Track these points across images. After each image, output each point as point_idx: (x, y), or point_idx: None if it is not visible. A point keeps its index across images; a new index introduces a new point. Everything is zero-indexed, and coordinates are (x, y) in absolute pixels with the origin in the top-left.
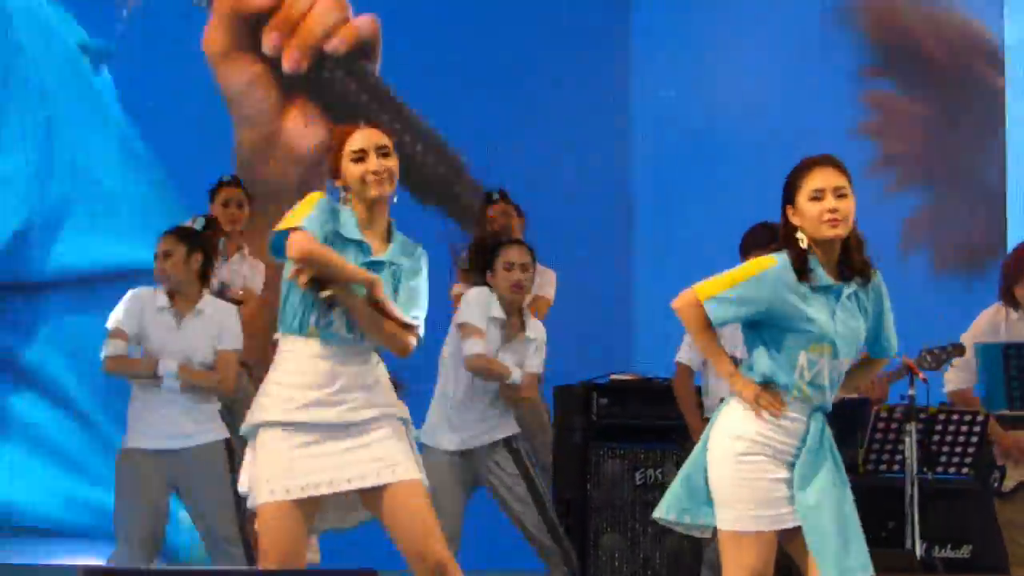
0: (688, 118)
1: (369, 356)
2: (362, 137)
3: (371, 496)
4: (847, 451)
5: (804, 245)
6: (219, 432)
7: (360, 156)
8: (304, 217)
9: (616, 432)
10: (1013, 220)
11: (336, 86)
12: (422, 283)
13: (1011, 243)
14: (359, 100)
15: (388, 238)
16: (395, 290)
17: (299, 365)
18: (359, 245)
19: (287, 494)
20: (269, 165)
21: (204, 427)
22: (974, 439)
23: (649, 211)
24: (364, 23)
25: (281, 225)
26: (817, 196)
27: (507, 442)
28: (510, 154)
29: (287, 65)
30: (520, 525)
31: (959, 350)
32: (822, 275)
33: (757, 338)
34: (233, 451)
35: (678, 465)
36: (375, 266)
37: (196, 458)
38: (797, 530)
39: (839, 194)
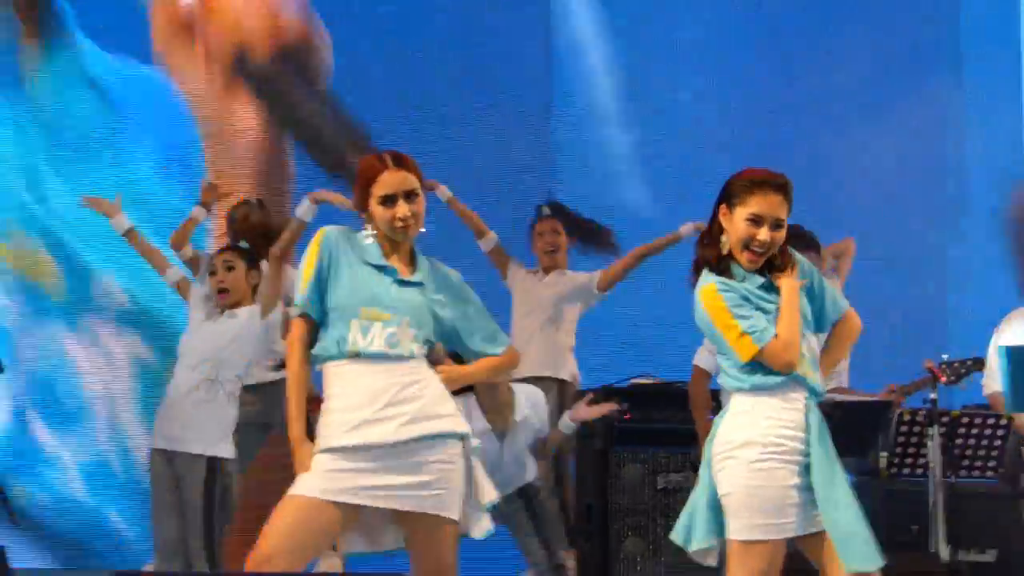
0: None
1: (415, 369)
2: (391, 182)
3: (404, 517)
4: (869, 455)
5: (724, 251)
6: (207, 448)
7: (388, 200)
8: (300, 293)
9: (637, 436)
10: None
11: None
12: (477, 303)
13: None
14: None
15: (412, 260)
16: (433, 314)
17: (344, 388)
18: (384, 269)
19: (321, 493)
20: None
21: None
22: (997, 442)
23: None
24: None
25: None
26: (755, 220)
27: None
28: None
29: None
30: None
31: (979, 364)
32: (741, 272)
33: None
34: (214, 471)
35: (697, 469)
36: (408, 286)
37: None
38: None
39: (776, 225)
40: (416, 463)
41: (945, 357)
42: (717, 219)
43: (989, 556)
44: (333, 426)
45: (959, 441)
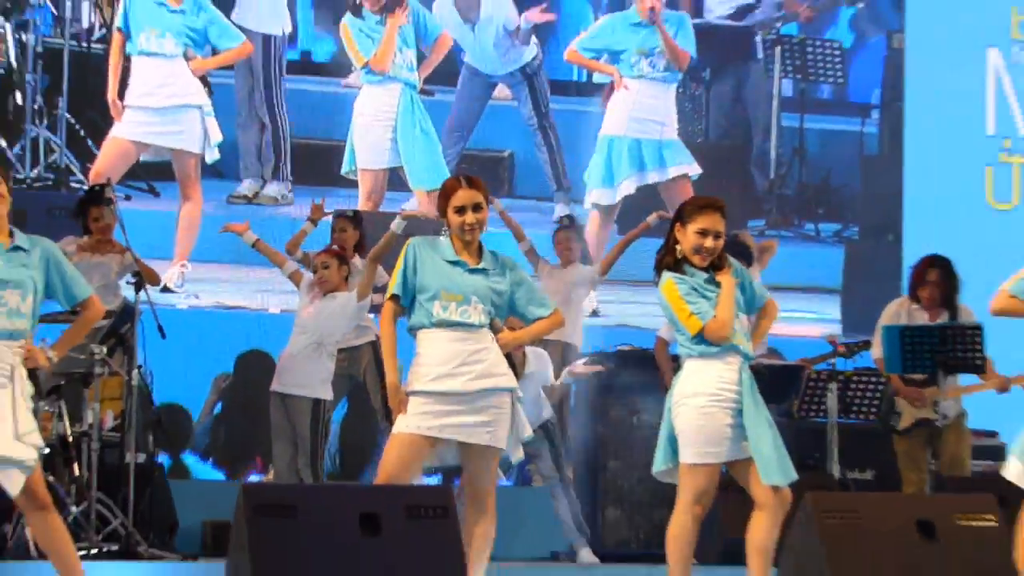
0: None
1: (482, 336)
2: (464, 196)
3: (464, 448)
4: (786, 403)
5: (679, 256)
6: (311, 391)
7: (460, 210)
8: (393, 284)
9: (619, 387)
10: None
11: None
12: (528, 280)
13: None
14: None
15: (479, 255)
16: (495, 292)
17: (429, 348)
18: (456, 263)
19: (417, 429)
20: None
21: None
22: (878, 394)
23: None
24: None
25: (390, 285)
26: (702, 233)
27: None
28: None
29: None
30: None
31: (866, 344)
32: (691, 270)
33: None
34: (317, 409)
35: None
36: (475, 273)
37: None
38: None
39: (716, 236)
40: (479, 407)
41: (842, 339)
42: (673, 234)
43: (868, 475)
44: (421, 376)
45: (850, 393)
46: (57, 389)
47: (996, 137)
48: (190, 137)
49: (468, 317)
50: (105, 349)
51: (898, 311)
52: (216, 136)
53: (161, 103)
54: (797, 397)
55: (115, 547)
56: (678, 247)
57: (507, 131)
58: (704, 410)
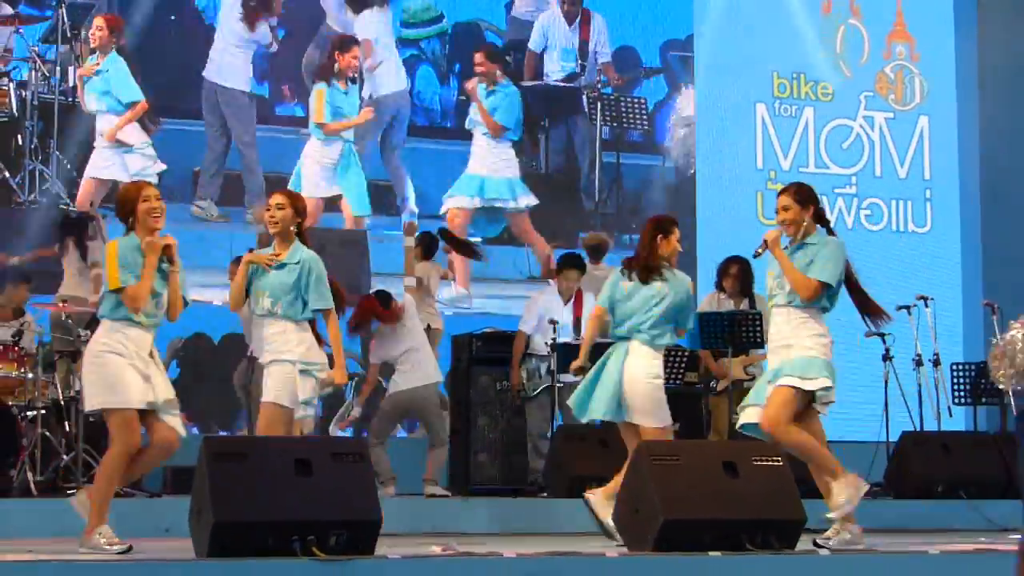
0: None
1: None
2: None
3: None
4: None
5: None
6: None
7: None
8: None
9: (485, 360)
10: None
11: None
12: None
13: None
14: None
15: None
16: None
17: None
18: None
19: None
20: None
21: None
22: (682, 364)
23: None
24: None
25: None
26: (679, 241)
27: None
28: None
29: None
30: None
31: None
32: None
33: None
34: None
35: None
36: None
37: None
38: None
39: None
40: None
41: None
42: (654, 242)
43: (676, 427)
44: None
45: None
46: (51, 364)
47: (764, 170)
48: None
49: None
50: (89, 332)
51: (711, 301)
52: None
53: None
54: None
55: None
56: (661, 251)
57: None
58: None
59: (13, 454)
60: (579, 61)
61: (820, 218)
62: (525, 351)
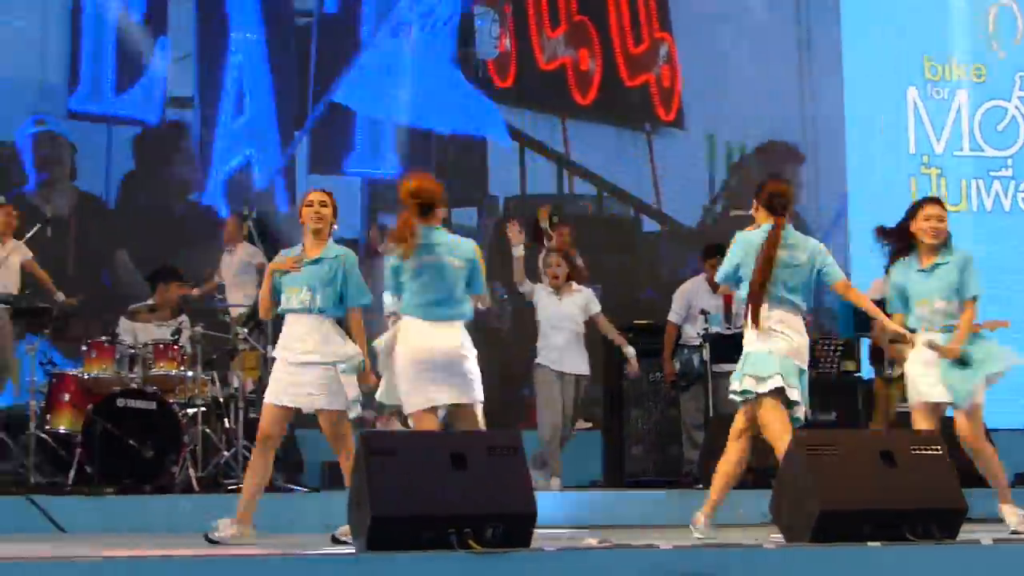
0: None
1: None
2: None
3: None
4: None
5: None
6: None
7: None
8: None
9: (638, 353)
10: None
11: None
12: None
13: None
14: None
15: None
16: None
17: None
18: None
19: None
20: None
21: None
22: (838, 352)
23: None
24: None
25: None
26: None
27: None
28: None
29: None
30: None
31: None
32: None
33: None
34: None
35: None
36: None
37: None
38: None
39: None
40: None
41: None
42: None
43: (832, 416)
44: None
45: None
46: (211, 361)
47: (917, 155)
48: None
49: None
50: (246, 330)
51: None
52: None
53: None
54: None
55: None
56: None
57: None
58: None
59: (175, 451)
60: None
61: None
62: (676, 341)
